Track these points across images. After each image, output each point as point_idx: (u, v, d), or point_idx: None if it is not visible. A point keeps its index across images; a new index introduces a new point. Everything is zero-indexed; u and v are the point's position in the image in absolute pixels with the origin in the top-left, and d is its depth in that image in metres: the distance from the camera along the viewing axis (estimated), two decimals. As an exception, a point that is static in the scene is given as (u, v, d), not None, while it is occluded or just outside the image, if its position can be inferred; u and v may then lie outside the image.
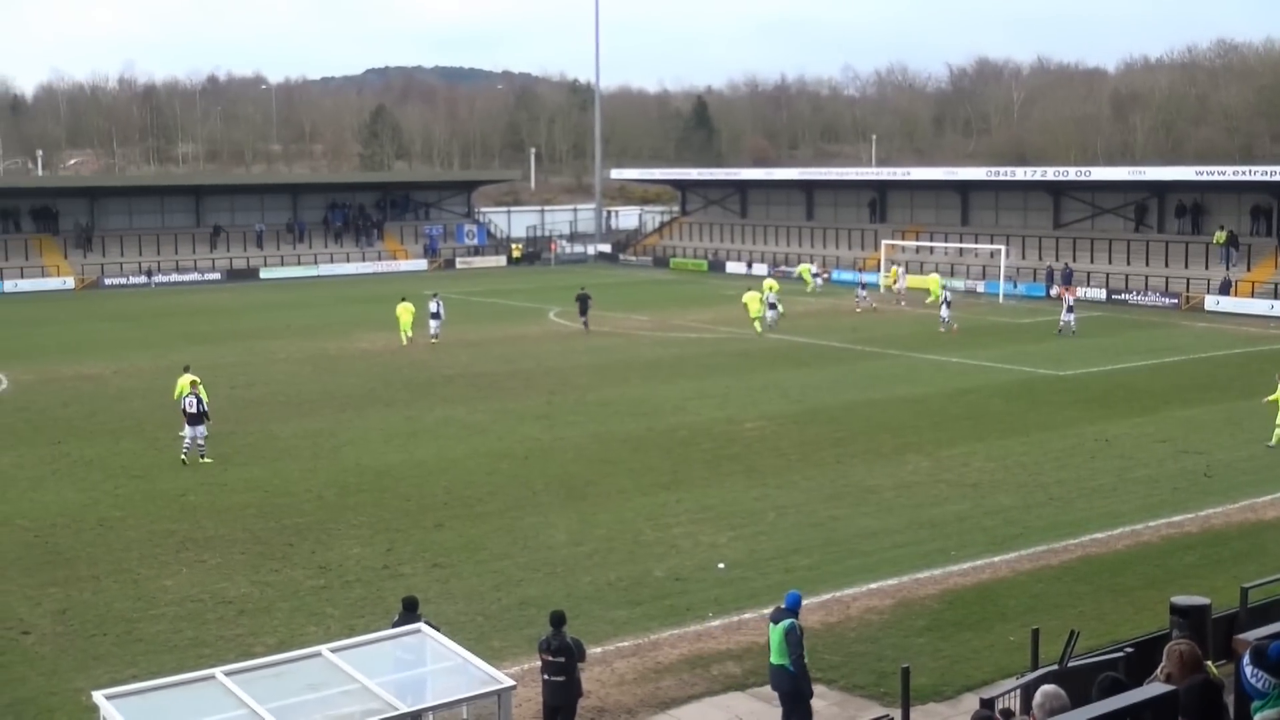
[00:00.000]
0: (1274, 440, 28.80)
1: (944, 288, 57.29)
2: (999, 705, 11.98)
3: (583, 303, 51.70)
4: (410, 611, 14.80)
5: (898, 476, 26.72)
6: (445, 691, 12.47)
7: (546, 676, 14.18)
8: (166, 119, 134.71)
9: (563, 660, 14.10)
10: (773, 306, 52.39)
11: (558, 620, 14.32)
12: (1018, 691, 12.71)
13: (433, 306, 48.51)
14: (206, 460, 28.47)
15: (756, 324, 49.48)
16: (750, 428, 31.78)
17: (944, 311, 50.36)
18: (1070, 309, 49.05)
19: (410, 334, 47.34)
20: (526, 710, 14.82)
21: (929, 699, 15.47)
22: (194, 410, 28.63)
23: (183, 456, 28.44)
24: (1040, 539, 22.23)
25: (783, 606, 14.73)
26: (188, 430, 28.62)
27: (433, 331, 47.85)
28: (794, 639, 14.33)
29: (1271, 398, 29.27)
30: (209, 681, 12.10)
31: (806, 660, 14.56)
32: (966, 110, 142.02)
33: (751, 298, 50.69)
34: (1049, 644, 13.96)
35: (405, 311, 47.36)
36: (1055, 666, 12.47)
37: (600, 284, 70.33)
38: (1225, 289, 57.74)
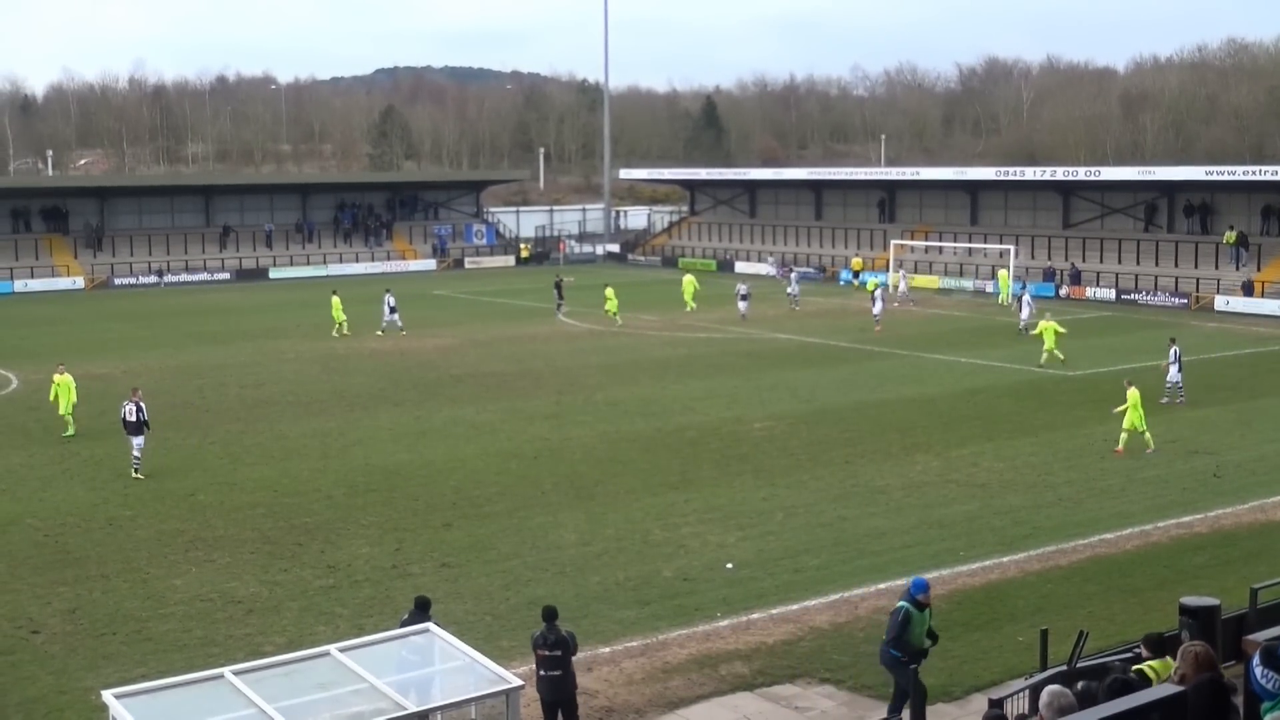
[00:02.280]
0: (1149, 444, 28.54)
1: (880, 284, 58.01)
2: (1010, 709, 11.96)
3: (558, 289, 56.83)
4: (422, 611, 14.81)
5: (907, 477, 26.70)
6: (453, 691, 12.48)
7: (543, 672, 14.18)
8: (176, 119, 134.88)
9: (559, 654, 14.15)
10: (745, 298, 53.66)
11: (550, 614, 14.36)
12: (1026, 692, 12.70)
13: (391, 301, 50.79)
14: (139, 476, 27.08)
15: (615, 316, 52.39)
16: (759, 428, 31.77)
17: (876, 308, 50.24)
18: (1028, 304, 49.28)
19: (345, 324, 50.00)
20: (534, 710, 14.81)
21: (937, 699, 15.43)
22: (134, 419, 27.37)
23: (134, 472, 27.19)
24: (1049, 539, 22.20)
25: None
26: (135, 441, 27.36)
27: (397, 324, 50.34)
28: (891, 621, 14.42)
29: (1121, 408, 28.86)
30: (218, 681, 12.12)
31: (924, 648, 14.55)
32: (976, 110, 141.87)
33: (610, 292, 53.38)
34: (1058, 644, 13.94)
35: (337, 306, 50.28)
36: (1064, 667, 12.45)
37: (609, 284, 70.25)
38: (1249, 290, 57.25)
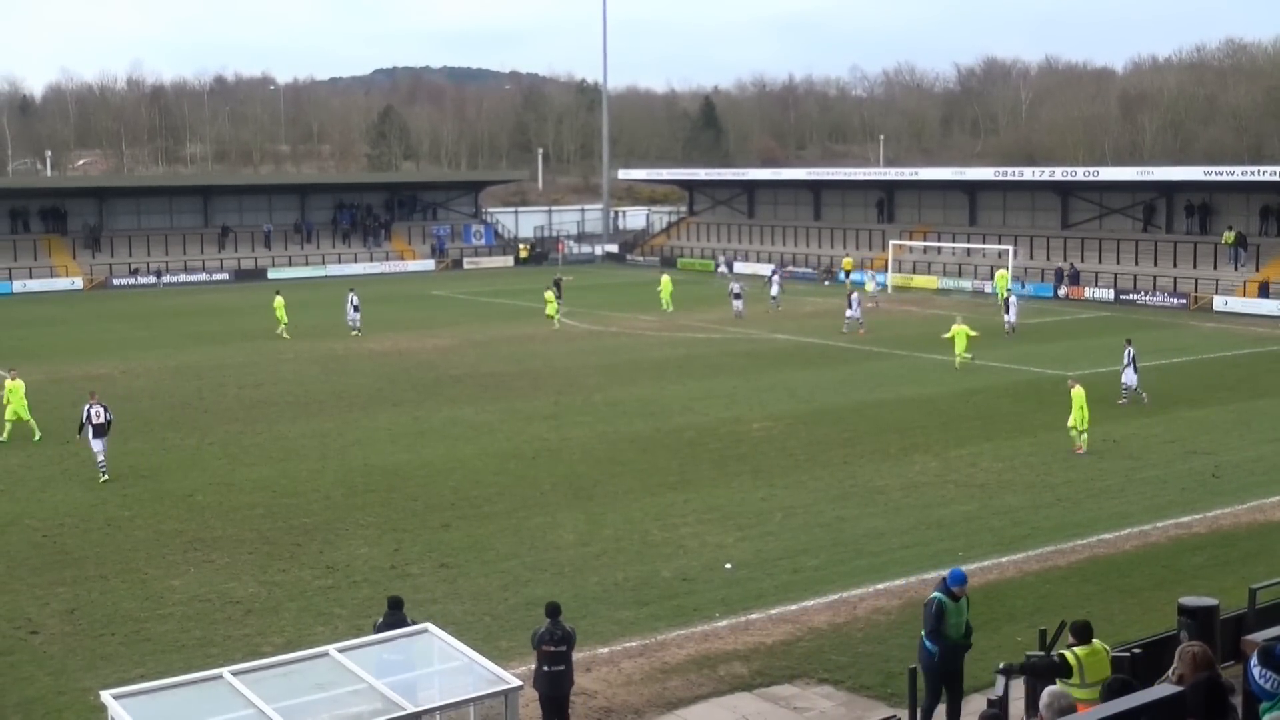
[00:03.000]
0: (1081, 445, 28.57)
1: (856, 284, 58.14)
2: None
3: (557, 287, 56.65)
4: (395, 610, 14.84)
5: (905, 477, 26.70)
6: (452, 691, 12.46)
7: (546, 668, 14.20)
8: (175, 119, 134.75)
9: (564, 649, 14.24)
10: (738, 296, 53.86)
11: (554, 610, 14.43)
12: (1024, 692, 12.71)
13: (355, 300, 51.10)
14: (107, 478, 26.85)
15: (554, 318, 52.10)
16: (757, 428, 31.77)
17: (852, 310, 49.93)
18: (1014, 305, 49.09)
19: (287, 325, 50.06)
20: (533, 710, 14.81)
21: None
22: (101, 421, 26.99)
23: (104, 476, 26.84)
24: (1048, 540, 22.20)
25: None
26: (96, 444, 26.97)
27: (356, 325, 50.66)
28: (925, 612, 14.28)
29: (1075, 409, 28.89)
30: (217, 681, 12.11)
31: (962, 641, 14.24)
32: (974, 110, 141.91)
33: (550, 295, 52.83)
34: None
35: (280, 306, 50.45)
36: (1038, 654, 12.51)
37: (608, 284, 70.41)
38: (1264, 292, 56.61)
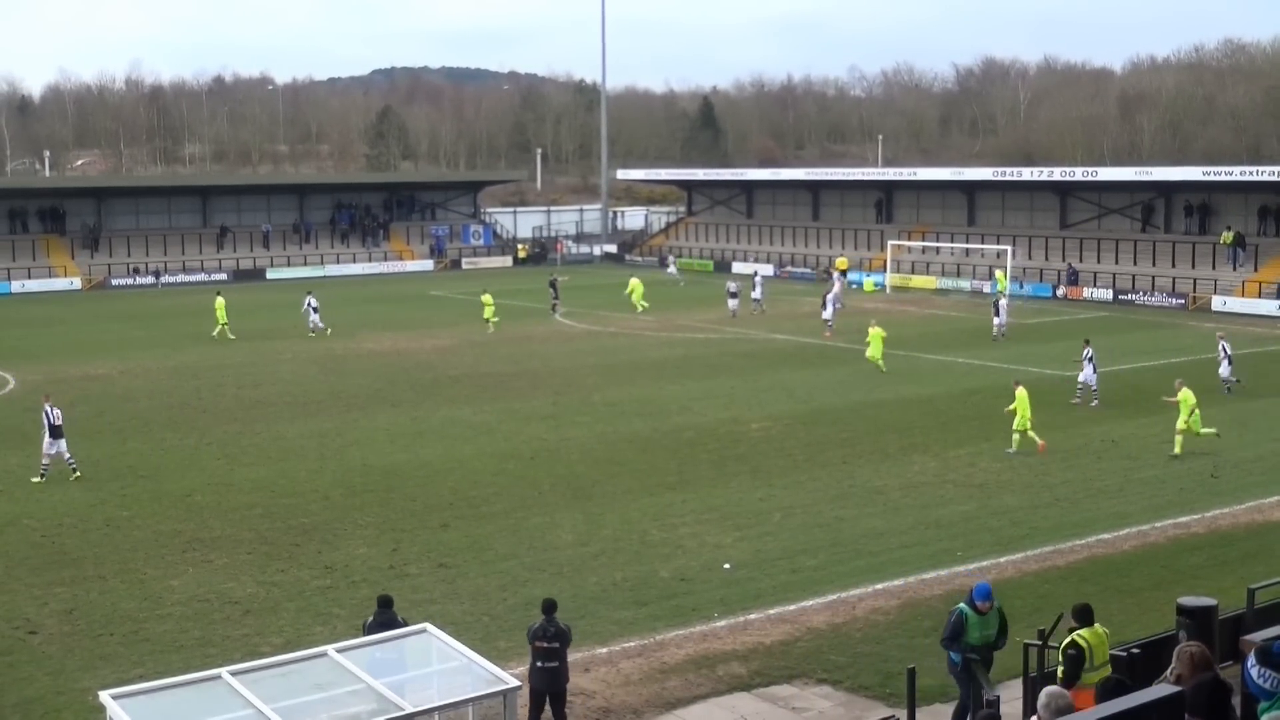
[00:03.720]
0: (1015, 444, 28.82)
1: (836, 281, 58.34)
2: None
3: (553, 287, 57.42)
4: (385, 609, 14.86)
5: (904, 477, 26.71)
6: (451, 692, 12.47)
7: (540, 664, 14.28)
8: (173, 119, 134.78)
9: (558, 645, 14.32)
10: (734, 295, 54.19)
11: (550, 607, 14.48)
12: (1022, 693, 12.72)
13: (314, 302, 51.68)
14: (78, 475, 27.06)
15: (493, 322, 51.26)
16: (756, 428, 31.78)
17: (826, 312, 49.78)
18: (1004, 308, 49.07)
19: (228, 327, 49.83)
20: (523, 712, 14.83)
21: (935, 700, 15.42)
22: (59, 422, 27.23)
23: (42, 474, 26.96)
24: (1046, 540, 22.21)
25: None
26: (61, 444, 27.14)
27: (318, 324, 51.02)
28: (947, 620, 14.23)
29: (1010, 407, 29.18)
30: (215, 681, 12.11)
31: (965, 655, 14.01)
32: (973, 110, 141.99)
33: (487, 298, 52.24)
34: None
35: (221, 308, 50.45)
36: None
37: (606, 285, 70.33)
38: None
